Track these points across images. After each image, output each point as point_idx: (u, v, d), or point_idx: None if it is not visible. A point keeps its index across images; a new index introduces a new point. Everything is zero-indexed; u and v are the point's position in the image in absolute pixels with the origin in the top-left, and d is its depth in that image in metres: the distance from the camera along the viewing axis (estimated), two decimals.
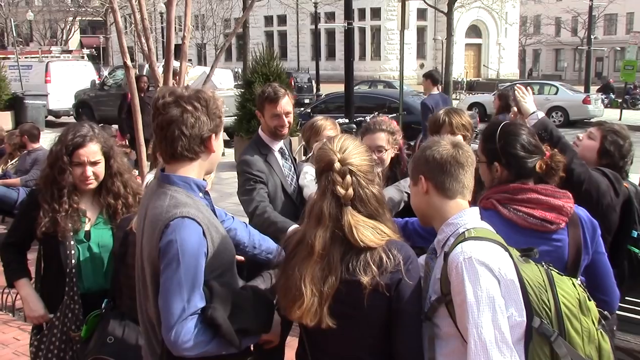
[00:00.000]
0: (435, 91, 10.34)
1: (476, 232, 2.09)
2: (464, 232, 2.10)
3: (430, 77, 10.29)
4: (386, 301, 2.06)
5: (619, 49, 56.16)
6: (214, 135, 2.23)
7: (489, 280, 1.97)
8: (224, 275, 2.21)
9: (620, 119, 23.84)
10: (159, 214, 2.12)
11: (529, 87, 3.53)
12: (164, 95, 2.16)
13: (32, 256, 3.30)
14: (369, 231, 2.07)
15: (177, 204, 2.12)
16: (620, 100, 28.02)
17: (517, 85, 3.61)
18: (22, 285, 3.21)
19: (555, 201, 2.52)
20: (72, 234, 3.05)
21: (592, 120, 22.97)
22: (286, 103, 3.72)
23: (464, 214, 2.16)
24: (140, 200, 2.40)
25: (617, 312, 3.06)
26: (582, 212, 2.62)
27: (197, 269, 2.08)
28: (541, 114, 3.30)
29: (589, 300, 2.20)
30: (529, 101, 3.39)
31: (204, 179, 2.31)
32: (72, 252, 3.05)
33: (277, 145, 3.83)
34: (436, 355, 2.11)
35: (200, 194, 2.26)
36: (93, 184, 3.11)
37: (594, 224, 2.63)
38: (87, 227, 3.12)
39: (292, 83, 26.51)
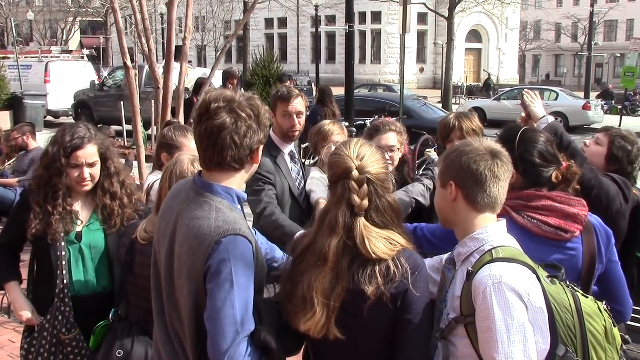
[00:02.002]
0: None
1: (504, 252, 1.99)
2: (490, 251, 2.00)
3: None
4: (391, 312, 2.00)
5: (619, 55, 56.31)
6: (261, 147, 2.13)
7: (519, 308, 1.88)
8: (259, 292, 2.11)
9: (620, 126, 23.81)
10: (205, 227, 1.99)
11: (537, 92, 3.48)
12: (216, 99, 2.02)
13: (27, 257, 3.25)
14: (382, 242, 2.01)
15: (227, 219, 2.00)
16: (620, 107, 28.01)
17: (526, 90, 3.55)
18: (11, 288, 3.17)
19: (570, 209, 2.46)
20: (63, 235, 3.00)
21: (591, 126, 23.00)
22: (299, 104, 3.67)
23: (489, 229, 2.06)
24: (165, 203, 2.26)
25: (635, 324, 3.00)
26: (596, 221, 2.56)
27: (250, 289, 1.99)
28: (551, 119, 3.26)
29: (615, 326, 2.12)
30: (538, 105, 3.34)
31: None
32: (63, 253, 3.00)
33: (288, 148, 3.78)
34: None
35: (239, 207, 2.16)
36: (89, 186, 3.06)
37: (608, 232, 2.57)
38: (78, 229, 3.07)
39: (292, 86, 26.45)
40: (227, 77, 11.22)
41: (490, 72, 47.94)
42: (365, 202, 2.02)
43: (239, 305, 1.94)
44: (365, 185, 2.02)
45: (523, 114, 3.42)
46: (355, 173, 2.03)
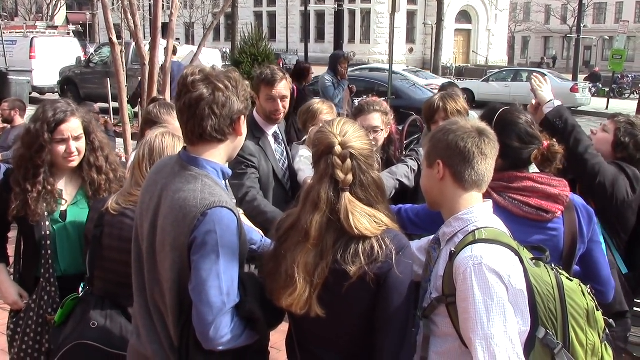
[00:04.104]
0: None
1: (487, 234, 1.99)
2: (474, 231, 2.00)
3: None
4: (373, 292, 2.00)
5: (607, 38, 56.38)
6: (242, 117, 2.15)
7: (500, 289, 1.88)
8: (241, 267, 2.12)
9: (607, 108, 23.96)
10: (191, 199, 2.00)
11: (546, 77, 3.40)
12: (193, 73, 2.06)
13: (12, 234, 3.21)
14: (366, 219, 2.00)
15: (213, 192, 2.02)
16: (607, 90, 28.10)
17: (534, 73, 3.49)
18: None
19: (551, 190, 2.46)
20: (46, 214, 2.95)
21: (579, 108, 23.10)
22: (283, 87, 3.63)
23: (474, 210, 2.07)
24: (149, 178, 2.26)
25: (635, 308, 2.98)
26: (578, 200, 2.57)
27: (235, 261, 2.01)
28: (557, 102, 3.18)
29: (597, 310, 2.12)
30: (545, 90, 3.24)
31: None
32: (47, 233, 2.96)
33: (271, 130, 3.75)
34: (429, 353, 2.05)
35: (224, 182, 2.18)
36: (76, 161, 3.02)
37: (590, 211, 2.57)
38: (63, 207, 3.03)
39: (281, 65, 26.33)
40: (339, 60, 10.02)
41: (478, 53, 47.91)
42: (350, 177, 2.01)
43: (225, 276, 1.97)
44: (349, 160, 2.02)
45: (534, 101, 3.28)
46: (338, 148, 2.02)
